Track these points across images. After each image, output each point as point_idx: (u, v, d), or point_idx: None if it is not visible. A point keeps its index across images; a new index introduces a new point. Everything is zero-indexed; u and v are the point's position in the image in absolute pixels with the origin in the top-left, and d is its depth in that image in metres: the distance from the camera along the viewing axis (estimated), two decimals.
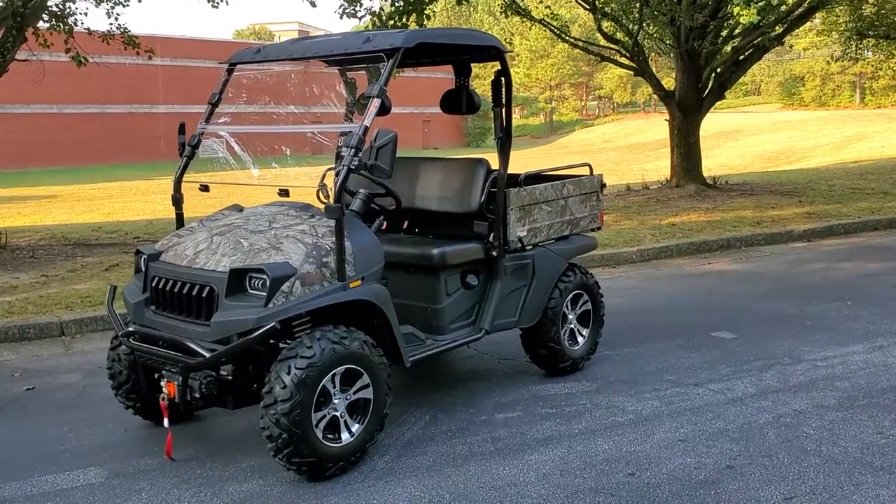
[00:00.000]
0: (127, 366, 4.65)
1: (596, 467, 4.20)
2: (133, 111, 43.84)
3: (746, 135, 42.99)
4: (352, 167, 4.12)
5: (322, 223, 4.31)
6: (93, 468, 4.33)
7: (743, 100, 67.94)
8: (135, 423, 4.87)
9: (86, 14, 12.75)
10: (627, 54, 14.34)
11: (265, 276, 3.99)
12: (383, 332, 4.38)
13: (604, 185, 5.92)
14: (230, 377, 4.26)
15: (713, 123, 44.97)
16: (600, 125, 63.31)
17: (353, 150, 4.13)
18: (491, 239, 5.07)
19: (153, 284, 4.42)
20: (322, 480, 4.08)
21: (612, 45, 14.61)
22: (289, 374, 3.90)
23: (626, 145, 50.42)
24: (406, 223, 5.54)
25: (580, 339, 5.69)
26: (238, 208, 4.97)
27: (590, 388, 5.37)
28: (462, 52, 5.22)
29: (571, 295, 5.56)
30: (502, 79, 5.06)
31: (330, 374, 4.02)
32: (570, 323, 5.62)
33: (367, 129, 4.18)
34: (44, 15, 12.15)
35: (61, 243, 11.53)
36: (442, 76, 58.87)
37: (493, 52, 5.03)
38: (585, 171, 5.91)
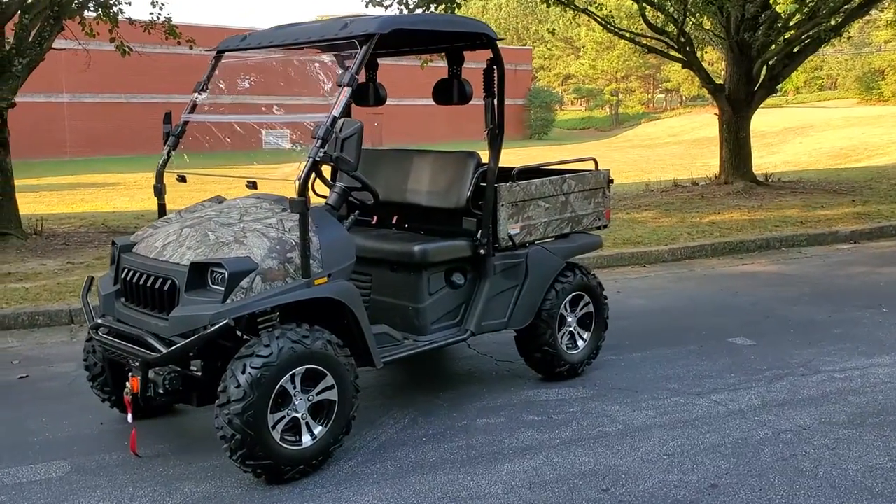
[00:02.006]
0: (101, 358, 4.58)
1: (570, 481, 3.96)
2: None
3: (816, 130, 41.44)
4: (317, 159, 3.95)
5: (291, 217, 4.15)
6: (57, 462, 4.26)
7: (817, 94, 65.75)
8: (112, 417, 4.80)
9: (129, 4, 12.73)
10: (675, 45, 13.83)
11: (224, 271, 3.85)
12: (353, 331, 4.21)
13: (611, 181, 5.63)
14: (199, 373, 4.15)
15: (781, 118, 43.74)
16: (667, 118, 61.95)
17: (319, 142, 3.96)
18: (479, 236, 4.85)
19: (123, 276, 4.33)
20: (280, 484, 3.93)
21: (657, 36, 14.13)
22: (243, 373, 3.75)
23: (691, 139, 49.14)
24: (396, 218, 5.35)
25: (580, 343, 5.43)
26: (219, 199, 4.86)
27: (584, 394, 5.11)
28: (450, 40, 4.99)
29: (570, 296, 5.30)
30: (494, 68, 4.83)
31: (289, 374, 3.85)
32: (569, 326, 5.36)
33: (335, 119, 3.99)
34: (90, 4, 12.31)
35: (98, 231, 11.67)
36: (507, 68, 58.37)
37: (483, 39, 4.79)
38: (591, 165, 5.63)
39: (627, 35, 14.83)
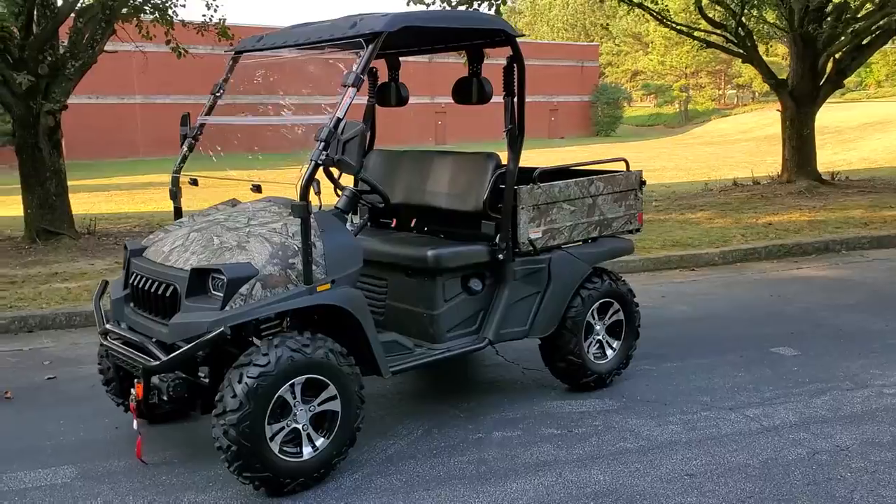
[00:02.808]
0: (112, 363, 4.54)
1: (581, 501, 3.75)
2: (263, 101, 45.34)
3: None
4: (319, 161, 3.82)
5: (296, 222, 4.03)
6: (65, 467, 4.23)
7: None
8: (127, 421, 4.70)
9: (184, 6, 12.88)
10: (734, 40, 13.33)
11: (223, 277, 3.76)
12: (360, 339, 4.07)
13: (643, 183, 5.37)
14: (207, 380, 4.08)
15: (860, 113, 42.06)
16: (738, 115, 60.37)
17: (321, 144, 3.82)
18: (498, 240, 4.66)
19: (132, 281, 4.29)
20: (280, 496, 3.82)
21: (715, 31, 13.63)
22: (240, 382, 3.65)
23: (763, 136, 47.66)
24: (414, 221, 5.20)
25: (609, 353, 5.19)
26: (233, 203, 4.78)
27: (610, 406, 4.88)
28: (467, 37, 4.81)
29: (598, 304, 5.07)
30: (514, 66, 4.63)
31: (288, 384, 3.74)
32: (597, 334, 5.13)
33: (339, 121, 3.86)
34: (146, 7, 12.50)
35: (151, 231, 11.84)
36: (573, 64, 57.92)
37: (501, 36, 4.60)
38: (621, 166, 5.38)
39: (685, 30, 14.38)
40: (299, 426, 3.84)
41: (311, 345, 3.81)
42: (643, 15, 18.30)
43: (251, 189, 4.22)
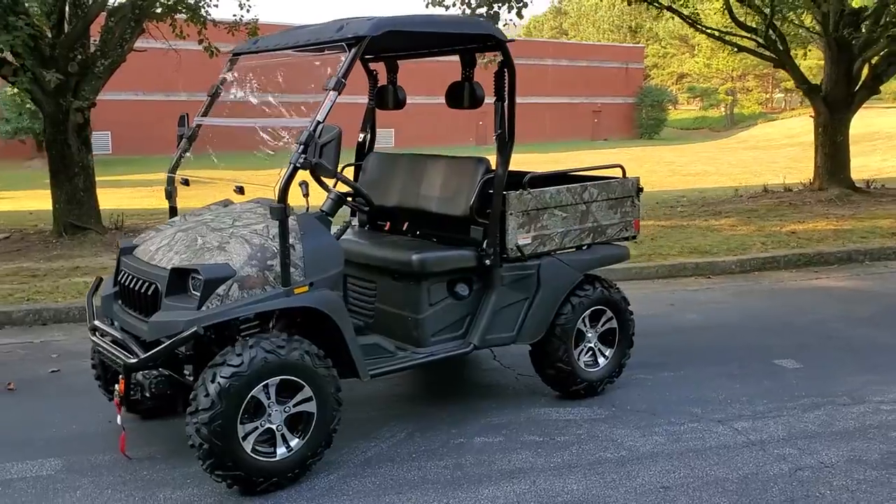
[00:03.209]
0: (100, 359, 4.63)
1: None
2: (313, 100, 45.42)
3: None
4: (297, 164, 3.85)
5: (277, 224, 4.07)
6: (52, 459, 4.32)
7: None
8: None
9: (216, 6, 13.04)
10: (765, 44, 13.10)
11: (201, 278, 3.81)
12: (339, 342, 4.09)
13: (640, 189, 5.32)
14: (192, 378, 4.14)
15: None
16: (785, 119, 59.31)
17: (301, 147, 3.85)
18: (485, 246, 4.65)
19: (120, 279, 4.37)
20: (253, 495, 3.86)
21: (744, 34, 13.40)
22: (213, 382, 3.69)
23: (809, 141, 46.69)
24: (406, 224, 5.21)
25: (601, 361, 5.15)
26: (226, 203, 4.83)
27: (597, 415, 4.84)
28: (457, 42, 4.81)
29: (589, 311, 5.03)
30: (505, 71, 4.62)
31: (261, 385, 3.77)
32: (589, 342, 5.09)
33: (318, 124, 3.89)
34: (181, 7, 12.69)
35: None
36: (617, 66, 57.36)
37: (491, 41, 4.59)
38: (618, 173, 5.33)
39: (716, 34, 14.17)
40: (273, 426, 3.88)
41: (286, 346, 3.84)
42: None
43: (234, 190, 4.27)
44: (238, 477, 3.79)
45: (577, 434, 4.56)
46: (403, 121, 46.34)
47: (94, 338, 4.35)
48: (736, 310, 7.27)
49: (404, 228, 5.23)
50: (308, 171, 3.90)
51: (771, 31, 12.66)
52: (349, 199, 4.41)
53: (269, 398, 3.84)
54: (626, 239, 5.31)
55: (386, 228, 5.37)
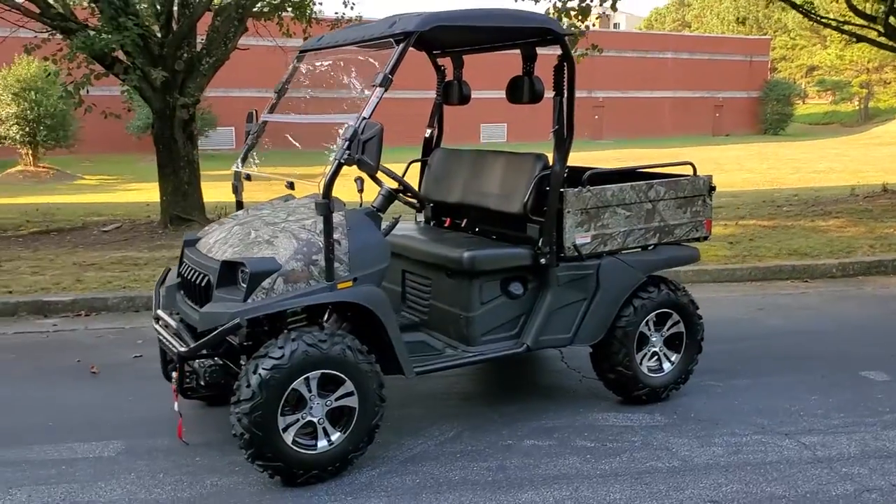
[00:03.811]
0: (160, 347, 4.78)
1: None
2: (425, 97, 45.87)
3: None
4: (342, 160, 3.87)
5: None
6: (115, 441, 4.51)
7: None
8: (186, 402, 5.00)
9: (321, 3, 13.33)
10: (885, 32, 12.27)
11: (247, 271, 3.88)
12: (384, 338, 4.09)
13: (713, 188, 5.08)
14: None
15: None
16: None
17: (346, 143, 3.87)
18: (540, 244, 4.55)
19: (181, 270, 4.51)
20: (294, 486, 3.92)
21: (859, 22, 12.58)
22: (255, 373, 3.76)
23: None
24: (465, 221, 5.15)
25: (666, 366, 4.96)
26: (286, 198, 4.91)
27: (657, 422, 4.66)
28: (512, 36, 4.70)
29: (654, 314, 4.85)
30: (564, 65, 4.50)
31: (302, 378, 3.81)
32: (653, 346, 4.91)
33: (364, 120, 3.89)
34: (287, 5, 13.04)
35: None
36: (741, 59, 55.22)
37: (548, 34, 4.47)
38: (688, 170, 5.11)
39: (833, 24, 13.39)
40: (315, 419, 3.91)
41: (328, 340, 3.87)
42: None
43: (286, 186, 4.33)
44: (278, 468, 3.85)
45: (632, 441, 4.41)
46: (516, 115, 46.19)
47: (156, 326, 4.52)
48: (828, 316, 6.87)
49: (464, 225, 5.18)
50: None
51: (892, 19, 11.85)
52: (401, 195, 4.41)
53: (310, 391, 3.88)
54: (698, 240, 5.08)
55: (446, 225, 5.35)
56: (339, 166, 3.87)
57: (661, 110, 50.63)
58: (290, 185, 4.33)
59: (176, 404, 4.29)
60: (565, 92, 4.53)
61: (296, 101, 4.82)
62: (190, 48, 10.91)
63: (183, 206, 11.04)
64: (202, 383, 4.28)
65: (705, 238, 5.11)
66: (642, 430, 4.56)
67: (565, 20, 10.63)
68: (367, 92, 4.10)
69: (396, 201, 4.37)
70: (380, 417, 4.05)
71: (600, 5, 10.63)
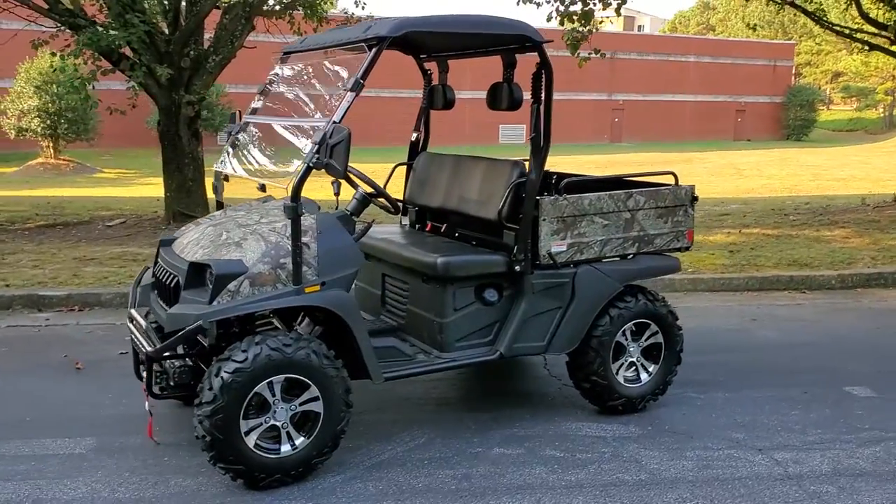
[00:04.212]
0: (132, 346, 4.80)
1: None
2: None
3: None
4: (311, 164, 3.86)
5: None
6: (88, 438, 4.53)
7: None
8: (165, 402, 5.00)
9: (332, 4, 13.34)
10: None
11: (213, 273, 3.89)
12: (352, 343, 4.08)
13: (695, 198, 5.03)
14: None
15: None
16: None
17: (315, 147, 3.86)
18: (515, 252, 4.52)
19: (154, 270, 4.53)
20: (257, 490, 3.91)
21: (872, 30, 12.42)
22: (217, 376, 3.77)
23: None
24: (444, 227, 5.14)
25: (643, 377, 4.91)
26: (266, 200, 4.91)
27: (630, 433, 4.62)
28: (492, 42, 4.67)
29: (631, 324, 4.81)
30: (542, 72, 4.47)
31: (265, 382, 3.81)
32: (630, 356, 4.87)
33: (335, 124, 3.88)
34: (299, 4, 13.06)
35: None
36: (764, 63, 54.65)
37: (527, 41, 4.43)
38: (670, 180, 5.06)
39: (846, 32, 13.21)
40: (278, 424, 3.91)
41: (292, 345, 3.86)
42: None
43: (257, 188, 4.33)
44: (240, 470, 3.85)
45: (602, 452, 4.37)
46: None
47: (129, 325, 4.54)
48: (821, 329, 6.78)
49: (444, 230, 5.17)
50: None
51: None
52: (377, 199, 4.40)
53: (274, 395, 3.87)
54: (679, 250, 5.03)
55: (428, 229, 5.33)
56: (309, 170, 3.87)
57: (681, 114, 50.31)
58: (262, 188, 4.33)
59: (147, 403, 4.32)
60: (543, 100, 4.49)
61: (278, 103, 4.81)
62: (197, 46, 10.96)
63: (187, 203, 11.09)
64: (171, 384, 4.28)
65: (687, 248, 5.06)
66: (614, 441, 4.53)
67: (567, 24, 10.60)
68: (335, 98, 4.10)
69: (376, 206, 4.38)
70: (345, 423, 4.04)
71: (603, 9, 10.57)
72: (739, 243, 9.82)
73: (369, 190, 4.33)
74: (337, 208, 4.30)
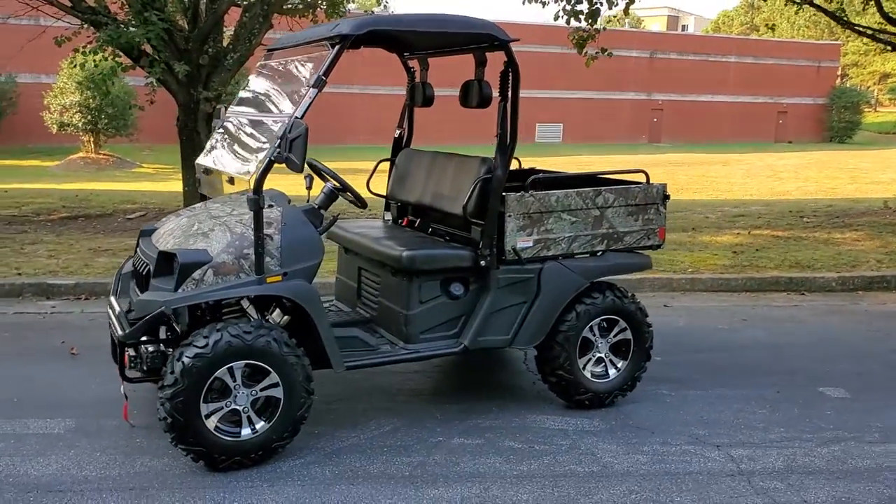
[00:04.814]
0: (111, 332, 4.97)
1: None
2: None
3: None
4: (272, 158, 4.00)
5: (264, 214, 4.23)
6: (68, 420, 4.72)
7: None
8: (147, 385, 5.18)
9: (353, 2, 13.49)
10: None
11: (178, 261, 4.04)
12: (314, 332, 4.21)
13: (667, 197, 5.07)
14: None
15: None
16: None
17: (278, 141, 4.00)
18: (481, 246, 4.61)
19: (134, 260, 4.70)
20: (218, 472, 4.06)
21: (893, 30, 12.21)
22: (178, 360, 3.92)
23: None
24: (418, 221, 5.24)
25: (612, 372, 4.97)
26: (244, 192, 5.06)
27: (594, 428, 4.68)
28: (459, 41, 4.76)
29: (599, 320, 4.87)
30: (509, 71, 4.55)
31: (225, 368, 3.96)
32: (599, 351, 4.93)
33: (297, 119, 4.01)
34: (321, 2, 13.25)
35: None
36: (807, 64, 53.75)
37: (493, 41, 4.52)
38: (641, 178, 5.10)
39: (868, 32, 13.00)
40: (239, 408, 4.06)
41: (252, 332, 4.00)
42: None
43: (226, 181, 4.48)
44: (200, 452, 3.99)
45: (560, 445, 4.45)
46: (573, 115, 45.87)
47: (108, 311, 4.72)
48: (810, 330, 6.76)
49: (417, 225, 5.28)
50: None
51: None
52: (346, 194, 4.53)
53: (234, 381, 4.02)
54: (651, 247, 5.07)
55: (403, 224, 5.44)
56: (270, 163, 4.01)
57: (721, 115, 49.72)
58: (231, 181, 4.48)
59: (122, 387, 4.51)
60: (510, 98, 4.57)
61: (256, 99, 4.96)
62: (215, 43, 11.19)
63: (202, 197, 11.29)
64: (145, 368, 4.45)
65: (658, 246, 5.11)
66: (575, 434, 4.60)
67: (574, 23, 10.62)
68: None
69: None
70: (306, 409, 4.17)
71: (610, 9, 10.56)
72: (746, 244, 9.77)
73: (336, 185, 4.46)
74: (308, 201, 4.45)
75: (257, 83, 5.10)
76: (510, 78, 4.56)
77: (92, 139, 28.22)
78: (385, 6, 14.13)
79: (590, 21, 10.50)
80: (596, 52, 10.62)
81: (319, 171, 4.51)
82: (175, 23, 10.85)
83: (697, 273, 8.14)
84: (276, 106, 4.64)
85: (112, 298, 4.77)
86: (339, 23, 4.31)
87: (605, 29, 10.84)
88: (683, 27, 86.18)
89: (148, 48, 10.74)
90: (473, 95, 4.82)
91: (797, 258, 8.84)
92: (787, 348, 6.23)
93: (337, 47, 4.13)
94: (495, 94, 4.69)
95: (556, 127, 43.79)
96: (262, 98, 4.88)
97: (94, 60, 10.55)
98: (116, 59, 10.64)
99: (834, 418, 4.85)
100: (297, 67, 4.70)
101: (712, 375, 5.58)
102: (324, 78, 4.10)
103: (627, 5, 10.52)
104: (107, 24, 10.20)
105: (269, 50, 5.22)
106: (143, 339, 4.33)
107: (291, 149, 3.94)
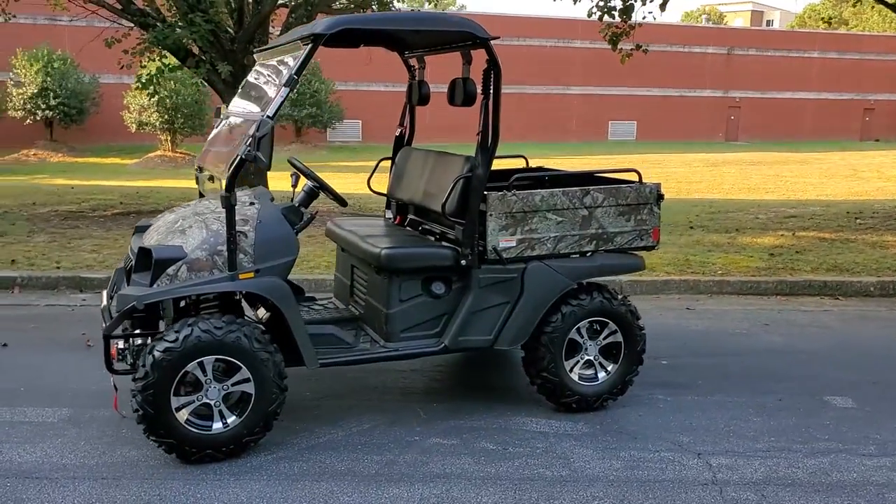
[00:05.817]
0: None
1: None
2: (549, 92, 45.41)
3: None
4: (243, 156, 4.05)
5: (240, 212, 4.29)
6: (64, 409, 4.87)
7: None
8: None
9: (402, 1, 13.58)
10: None
11: (152, 258, 4.14)
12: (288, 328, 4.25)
13: (661, 197, 4.93)
14: None
15: None
16: None
17: (248, 140, 4.06)
18: (463, 246, 4.58)
19: (126, 255, 4.84)
20: (189, 464, 4.14)
21: None
22: (150, 354, 4.01)
23: None
24: (407, 219, 5.23)
25: (601, 375, 4.88)
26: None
27: (576, 431, 4.60)
28: (440, 39, 4.72)
29: (587, 322, 4.78)
30: (491, 69, 4.50)
31: (196, 362, 4.04)
32: (588, 354, 4.84)
33: (269, 118, 4.06)
34: (374, 4, 13.37)
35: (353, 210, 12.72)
36: (878, 58, 51.36)
37: (474, 39, 4.47)
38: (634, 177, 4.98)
39: None
40: (211, 402, 4.13)
41: (223, 328, 4.07)
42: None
43: (206, 179, 4.57)
44: (171, 444, 4.08)
45: (534, 447, 4.38)
46: (647, 113, 45.04)
47: (102, 305, 4.87)
48: (833, 336, 6.48)
49: (407, 223, 5.27)
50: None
51: None
52: (326, 192, 4.57)
53: (205, 375, 4.09)
54: (644, 248, 4.95)
55: (396, 222, 5.45)
56: (242, 162, 4.07)
57: (802, 112, 48.09)
58: (211, 179, 4.56)
59: (112, 378, 4.64)
60: (492, 96, 4.53)
61: (246, 98, 5.03)
62: (261, 44, 11.40)
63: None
64: (130, 361, 4.57)
65: (652, 247, 4.98)
66: (554, 437, 4.52)
67: (607, 19, 10.42)
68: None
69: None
70: (278, 405, 4.22)
71: (643, 4, 10.32)
72: (786, 246, 9.44)
73: (315, 183, 4.49)
74: (292, 199, 4.50)
75: (248, 84, 5.18)
76: (492, 76, 4.51)
77: (169, 138, 29.11)
78: (435, 4, 14.13)
79: (624, 17, 10.30)
80: (632, 49, 10.42)
81: (300, 170, 4.56)
82: (221, 24, 11.09)
83: (727, 276, 7.91)
84: (256, 105, 4.70)
85: (104, 293, 4.91)
86: (315, 23, 4.34)
87: (640, 25, 10.62)
88: (769, 22, 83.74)
89: (195, 49, 11.03)
90: (458, 93, 4.79)
91: (837, 261, 8.50)
92: (802, 354, 6.00)
93: (308, 47, 4.16)
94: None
95: (630, 125, 43.06)
96: (248, 99, 4.95)
97: (141, 62, 10.87)
98: (162, 59, 10.94)
99: (831, 429, 4.64)
100: (278, 68, 4.75)
101: (716, 381, 5.41)
102: (296, 77, 4.14)
103: (664, 2, 10.27)
104: (154, 26, 10.52)
105: (255, 51, 5.30)
106: (136, 332, 4.46)
107: (259, 147, 3.99)
